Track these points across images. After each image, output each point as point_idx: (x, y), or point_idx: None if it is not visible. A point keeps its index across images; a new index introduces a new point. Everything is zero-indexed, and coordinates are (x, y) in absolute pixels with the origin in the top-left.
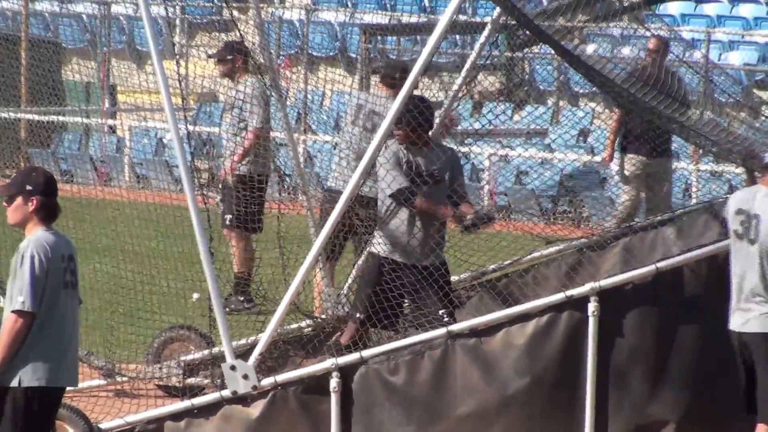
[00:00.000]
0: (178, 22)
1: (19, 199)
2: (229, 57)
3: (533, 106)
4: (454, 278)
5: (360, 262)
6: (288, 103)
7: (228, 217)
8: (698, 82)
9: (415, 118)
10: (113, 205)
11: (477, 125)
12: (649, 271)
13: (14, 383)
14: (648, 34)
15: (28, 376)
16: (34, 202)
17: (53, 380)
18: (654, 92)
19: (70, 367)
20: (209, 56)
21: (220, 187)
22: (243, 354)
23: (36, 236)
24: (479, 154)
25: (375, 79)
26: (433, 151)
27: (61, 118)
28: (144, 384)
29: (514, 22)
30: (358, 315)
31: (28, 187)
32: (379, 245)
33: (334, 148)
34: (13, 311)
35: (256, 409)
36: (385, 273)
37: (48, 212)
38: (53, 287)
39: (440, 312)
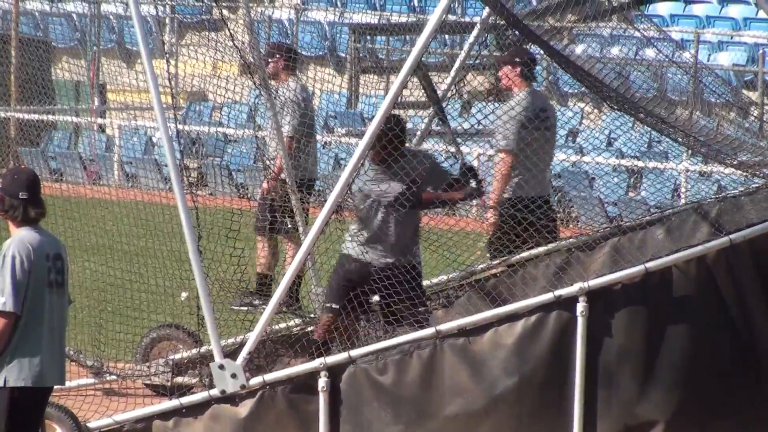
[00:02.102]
0: (168, 21)
1: None
2: (270, 60)
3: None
4: (442, 277)
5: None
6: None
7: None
8: (687, 83)
9: (386, 136)
10: (102, 203)
11: (466, 125)
12: (638, 271)
13: (0, 383)
14: (637, 34)
15: (13, 376)
16: (4, 202)
17: (39, 380)
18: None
19: (57, 366)
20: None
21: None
22: (231, 353)
23: (19, 236)
24: (468, 154)
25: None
26: (409, 162)
27: (50, 117)
28: (132, 383)
29: (503, 22)
30: (330, 305)
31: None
32: (352, 247)
33: (323, 148)
34: None
35: (244, 408)
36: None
37: (13, 212)
38: (36, 287)
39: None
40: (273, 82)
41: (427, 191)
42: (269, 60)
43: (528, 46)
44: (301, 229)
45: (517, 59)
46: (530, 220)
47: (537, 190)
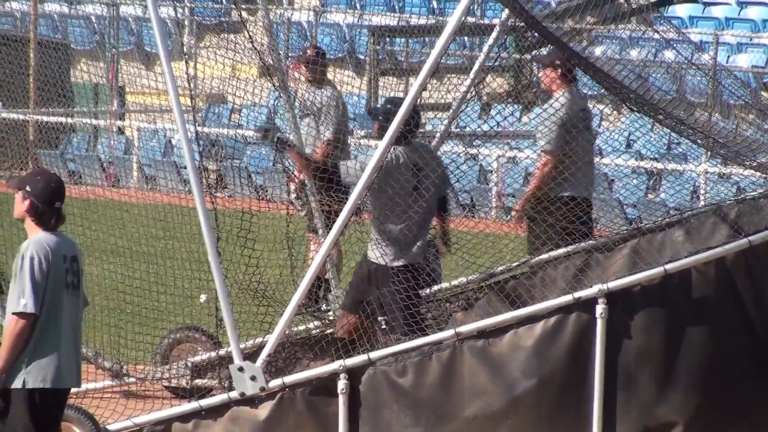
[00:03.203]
0: (186, 23)
1: (19, 195)
2: (313, 64)
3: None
4: (462, 279)
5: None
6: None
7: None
8: (706, 84)
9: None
10: (122, 206)
11: (485, 127)
12: (657, 272)
13: (18, 385)
14: (656, 36)
15: (32, 378)
16: (28, 203)
17: (58, 381)
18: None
19: (74, 368)
20: (298, 60)
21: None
22: (251, 355)
23: (37, 237)
24: (487, 156)
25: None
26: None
27: (69, 119)
28: (152, 385)
29: (522, 24)
30: (347, 302)
31: (28, 188)
32: (374, 252)
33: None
34: (14, 313)
35: (263, 410)
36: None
37: (41, 218)
38: (54, 288)
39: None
40: (308, 86)
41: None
42: (311, 63)
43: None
44: (320, 231)
45: (558, 62)
46: (571, 219)
47: (578, 190)
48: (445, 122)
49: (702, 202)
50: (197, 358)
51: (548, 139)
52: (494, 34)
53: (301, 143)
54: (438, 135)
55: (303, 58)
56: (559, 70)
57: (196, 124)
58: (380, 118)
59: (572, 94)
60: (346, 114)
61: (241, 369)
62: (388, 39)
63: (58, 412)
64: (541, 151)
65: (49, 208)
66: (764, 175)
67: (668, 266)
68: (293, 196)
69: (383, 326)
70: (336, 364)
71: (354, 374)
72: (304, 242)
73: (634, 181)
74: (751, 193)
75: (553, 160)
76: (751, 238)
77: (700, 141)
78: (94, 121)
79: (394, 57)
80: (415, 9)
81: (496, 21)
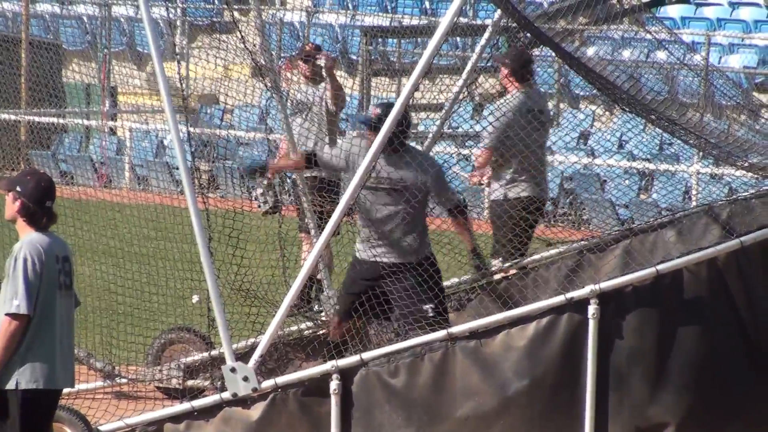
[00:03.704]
0: (178, 23)
1: (10, 196)
2: (318, 61)
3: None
4: (454, 280)
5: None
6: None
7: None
8: (698, 85)
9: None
10: (114, 206)
11: (478, 127)
12: (649, 273)
13: (11, 386)
14: (648, 36)
15: (25, 379)
16: (19, 203)
17: (51, 382)
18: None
19: (67, 369)
20: (293, 56)
21: (291, 189)
22: (243, 356)
23: (29, 238)
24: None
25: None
26: (402, 159)
27: (61, 120)
28: (144, 386)
29: (514, 25)
30: (341, 307)
31: (18, 188)
32: (361, 251)
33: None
34: (7, 314)
35: (256, 411)
36: (363, 272)
37: (33, 218)
38: (47, 289)
39: (425, 307)
40: (304, 85)
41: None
42: (310, 59)
43: (531, 47)
44: (312, 232)
45: (507, 60)
46: (518, 219)
47: (530, 191)
48: (438, 123)
49: (694, 203)
50: (189, 359)
51: (491, 137)
52: (486, 35)
53: (293, 143)
54: (430, 135)
55: (300, 54)
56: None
57: (189, 124)
58: (373, 125)
59: (527, 94)
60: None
61: (233, 370)
62: (380, 39)
63: (50, 413)
64: (483, 147)
65: (40, 207)
66: (756, 176)
67: (660, 267)
68: (259, 191)
69: (391, 326)
70: (328, 365)
71: (346, 375)
72: (296, 243)
73: (626, 181)
74: (743, 194)
75: (488, 156)
76: (742, 238)
77: (692, 141)
78: (85, 122)
79: (387, 57)
80: (408, 9)
81: (488, 21)
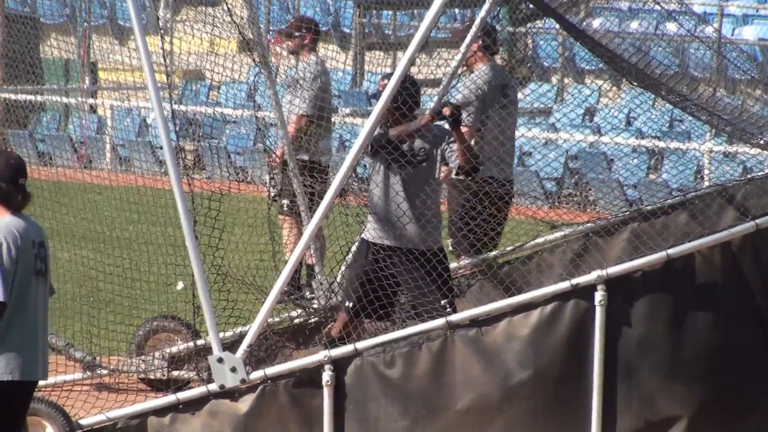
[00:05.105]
0: None
1: None
2: (297, 34)
3: (537, 84)
4: (452, 265)
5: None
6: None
7: (285, 202)
8: (710, 58)
9: (400, 98)
10: (94, 188)
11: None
12: (659, 258)
13: None
14: (657, 7)
15: (0, 370)
16: (1, 189)
17: (27, 373)
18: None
19: (43, 359)
20: (277, 32)
21: (271, 170)
22: (231, 346)
23: (4, 222)
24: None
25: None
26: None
27: (39, 97)
28: (126, 377)
29: None
30: (349, 304)
31: None
32: (369, 230)
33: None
34: None
35: (244, 403)
36: (378, 260)
37: (7, 198)
38: (23, 275)
39: (442, 302)
40: (292, 59)
41: (393, 129)
42: (295, 34)
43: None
44: (304, 215)
45: (474, 30)
46: (484, 199)
47: (494, 171)
48: (435, 98)
49: (706, 183)
50: (174, 349)
51: (474, 116)
52: (486, 6)
53: (283, 120)
54: (427, 112)
55: (291, 28)
56: (479, 42)
57: (173, 102)
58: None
59: (493, 68)
60: (328, 89)
61: (220, 360)
62: (374, 11)
63: (24, 406)
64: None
65: (14, 186)
66: None
67: (671, 251)
68: (267, 176)
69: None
70: (321, 355)
71: (340, 365)
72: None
73: (635, 160)
74: (758, 173)
75: (470, 135)
76: (758, 221)
77: (704, 118)
78: (64, 99)
79: (381, 30)
80: None
81: None
